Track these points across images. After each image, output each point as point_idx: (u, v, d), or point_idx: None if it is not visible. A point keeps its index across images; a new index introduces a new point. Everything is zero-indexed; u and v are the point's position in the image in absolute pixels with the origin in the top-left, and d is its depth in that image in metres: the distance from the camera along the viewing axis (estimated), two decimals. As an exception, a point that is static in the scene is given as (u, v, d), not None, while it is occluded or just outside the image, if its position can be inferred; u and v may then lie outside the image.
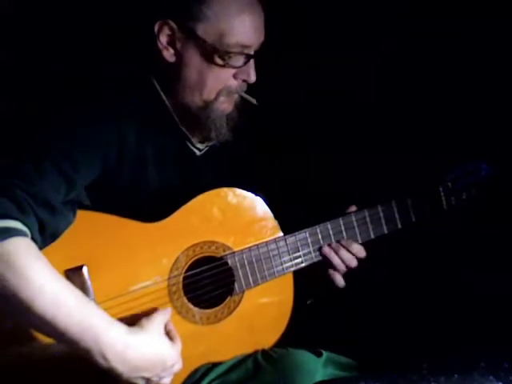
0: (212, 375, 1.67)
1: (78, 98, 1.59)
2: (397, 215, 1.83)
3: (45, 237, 1.42)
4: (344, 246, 1.78)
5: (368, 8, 2.09)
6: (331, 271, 1.80)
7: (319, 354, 1.71)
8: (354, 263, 1.79)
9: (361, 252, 1.80)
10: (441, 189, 1.88)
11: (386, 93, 2.11)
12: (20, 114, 1.69)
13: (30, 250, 1.34)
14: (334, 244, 1.78)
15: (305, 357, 1.69)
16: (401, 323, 1.95)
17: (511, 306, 1.84)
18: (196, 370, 1.66)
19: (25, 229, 1.35)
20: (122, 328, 1.39)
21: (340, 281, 1.80)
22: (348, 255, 1.78)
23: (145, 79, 1.69)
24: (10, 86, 2.00)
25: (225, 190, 1.69)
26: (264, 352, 1.73)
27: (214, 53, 1.62)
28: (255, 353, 1.72)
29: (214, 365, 1.68)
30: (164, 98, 1.69)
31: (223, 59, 1.63)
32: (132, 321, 1.46)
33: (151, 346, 1.42)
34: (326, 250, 1.78)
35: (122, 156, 1.60)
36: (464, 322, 1.90)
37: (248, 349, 1.72)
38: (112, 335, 1.36)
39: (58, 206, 1.43)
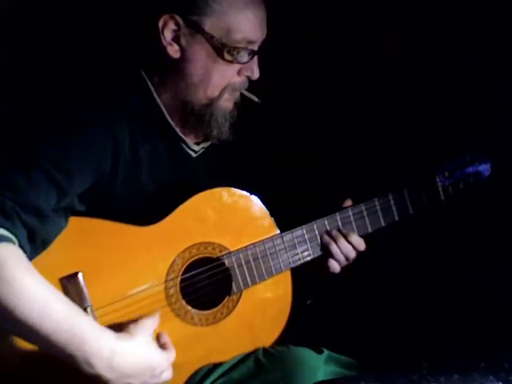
0: (214, 376, 1.67)
1: (71, 102, 1.58)
2: (394, 208, 1.80)
3: (36, 244, 1.42)
4: (343, 236, 1.75)
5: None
6: (329, 259, 1.76)
7: (320, 352, 1.69)
8: (352, 255, 1.77)
9: (360, 245, 1.77)
10: (438, 179, 1.83)
11: (382, 85, 2.06)
12: (12, 120, 1.68)
13: (17, 258, 1.34)
14: (333, 232, 1.76)
15: (306, 354, 1.68)
16: (401, 323, 1.92)
17: (511, 305, 1.81)
18: (197, 372, 1.66)
19: (11, 236, 1.35)
20: (110, 335, 1.39)
21: (335, 267, 1.76)
22: (347, 246, 1.75)
23: (137, 80, 1.66)
24: (10, 86, 1.99)
25: (219, 189, 1.67)
26: (265, 350, 1.72)
27: (221, 48, 1.60)
28: (256, 351, 1.71)
29: (215, 365, 1.68)
30: (158, 100, 1.66)
31: (231, 55, 1.61)
32: (121, 328, 1.44)
33: (139, 352, 1.41)
34: (326, 239, 1.75)
35: (116, 159, 1.59)
36: (464, 322, 1.87)
37: (249, 347, 1.71)
38: (99, 341, 1.35)
39: (48, 213, 1.43)
